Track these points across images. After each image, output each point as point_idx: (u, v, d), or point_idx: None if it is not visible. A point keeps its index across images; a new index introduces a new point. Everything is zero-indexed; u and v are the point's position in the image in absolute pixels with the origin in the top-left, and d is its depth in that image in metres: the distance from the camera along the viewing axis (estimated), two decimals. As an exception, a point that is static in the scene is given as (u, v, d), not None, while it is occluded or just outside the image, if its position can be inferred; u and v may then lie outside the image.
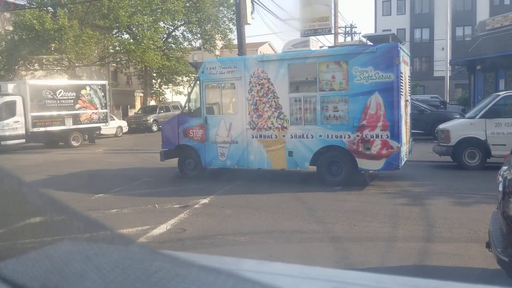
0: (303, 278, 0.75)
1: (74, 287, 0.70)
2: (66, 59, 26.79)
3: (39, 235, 0.88)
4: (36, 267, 0.74)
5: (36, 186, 0.90)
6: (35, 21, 24.44)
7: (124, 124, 28.86)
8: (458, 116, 15.91)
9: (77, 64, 28.45)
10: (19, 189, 0.88)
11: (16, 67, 26.32)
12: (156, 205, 8.34)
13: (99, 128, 23.93)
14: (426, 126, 17.16)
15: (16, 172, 0.91)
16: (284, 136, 9.87)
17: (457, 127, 11.46)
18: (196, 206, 8.21)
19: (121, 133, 27.76)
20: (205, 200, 8.61)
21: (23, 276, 0.72)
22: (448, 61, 29.77)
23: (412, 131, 11.23)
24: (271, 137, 9.99)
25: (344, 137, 9.30)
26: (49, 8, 27.98)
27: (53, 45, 25.16)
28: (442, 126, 11.88)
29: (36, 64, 26.81)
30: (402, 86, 9.12)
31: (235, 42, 21.48)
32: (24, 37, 24.97)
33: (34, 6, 27.14)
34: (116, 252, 0.79)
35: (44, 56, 26.35)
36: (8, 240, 0.86)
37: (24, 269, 0.73)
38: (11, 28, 26.86)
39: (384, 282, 0.78)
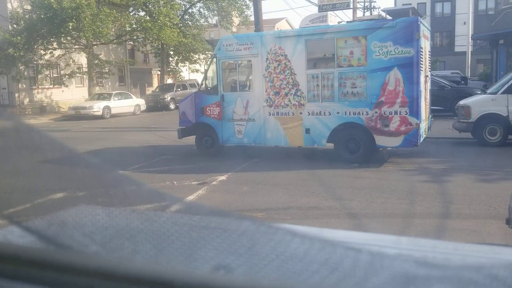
0: (312, 239, 0.76)
1: (95, 239, 0.82)
2: (84, 38, 26.89)
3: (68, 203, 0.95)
4: (62, 225, 0.86)
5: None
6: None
7: (141, 102, 29.03)
8: (479, 92, 15.59)
9: (94, 43, 28.58)
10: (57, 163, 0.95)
11: (35, 47, 26.54)
12: (175, 182, 8.44)
13: None
14: (446, 102, 16.86)
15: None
16: (301, 113, 9.81)
17: (478, 103, 11.24)
18: (214, 183, 8.29)
19: (139, 111, 27.97)
20: (223, 177, 8.68)
21: (52, 231, 0.84)
22: (470, 36, 29.07)
23: (431, 107, 11.06)
24: (288, 115, 9.95)
25: (362, 114, 9.21)
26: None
27: (71, 24, 25.20)
28: (462, 102, 11.67)
29: (55, 43, 26.97)
30: (422, 61, 8.95)
31: (252, 18, 21.27)
32: (42, 16, 25.06)
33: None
34: (126, 214, 0.84)
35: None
36: (44, 206, 0.94)
37: (53, 226, 0.85)
38: (29, 8, 27.01)
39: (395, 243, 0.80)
